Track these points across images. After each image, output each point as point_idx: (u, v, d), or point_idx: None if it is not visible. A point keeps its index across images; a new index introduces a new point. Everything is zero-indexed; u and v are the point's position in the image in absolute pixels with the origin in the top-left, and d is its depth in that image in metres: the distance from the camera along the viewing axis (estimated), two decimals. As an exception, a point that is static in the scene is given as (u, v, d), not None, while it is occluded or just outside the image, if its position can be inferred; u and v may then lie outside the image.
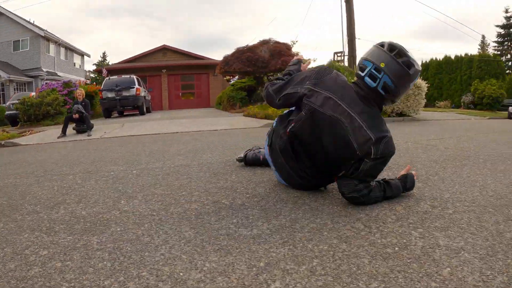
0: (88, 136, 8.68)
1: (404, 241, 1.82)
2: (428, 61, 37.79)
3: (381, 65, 2.33)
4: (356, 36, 17.36)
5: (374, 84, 2.34)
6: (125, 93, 16.32)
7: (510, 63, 55.97)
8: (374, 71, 2.34)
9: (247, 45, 16.30)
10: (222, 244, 1.75)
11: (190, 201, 2.48)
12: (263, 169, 3.46)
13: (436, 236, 1.88)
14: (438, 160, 3.96)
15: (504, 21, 55.85)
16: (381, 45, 2.38)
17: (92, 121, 10.13)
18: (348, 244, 1.76)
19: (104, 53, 61.06)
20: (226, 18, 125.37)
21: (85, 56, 36.94)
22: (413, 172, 2.67)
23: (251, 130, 8.51)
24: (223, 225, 2.00)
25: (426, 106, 30.99)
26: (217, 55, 20.86)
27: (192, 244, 1.74)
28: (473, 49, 69.71)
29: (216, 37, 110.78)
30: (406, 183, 2.53)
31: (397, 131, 7.34)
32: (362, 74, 2.38)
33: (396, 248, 1.73)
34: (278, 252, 1.67)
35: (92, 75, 45.71)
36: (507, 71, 50.86)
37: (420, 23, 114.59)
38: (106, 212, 2.32)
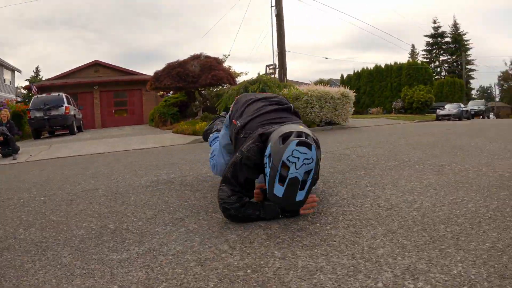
0: (13, 159, 8.56)
1: (262, 262, 1.82)
2: (359, 71, 39.38)
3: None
4: (286, 49, 17.95)
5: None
6: (54, 112, 15.95)
7: (438, 69, 59.37)
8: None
9: (177, 60, 16.43)
10: (90, 268, 1.91)
11: (80, 226, 2.64)
12: (163, 189, 3.67)
13: (299, 256, 1.87)
14: (344, 170, 4.07)
15: (432, 31, 59.43)
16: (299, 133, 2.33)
17: (21, 142, 10.02)
18: (203, 267, 1.82)
19: (37, 68, 58.93)
20: (164, 31, 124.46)
21: (16, 71, 35.60)
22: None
23: (177, 147, 8.72)
24: (99, 249, 2.16)
25: (359, 113, 32.41)
26: (154, 69, 20.95)
27: (65, 269, 1.92)
28: (404, 58, 73.29)
29: (154, 51, 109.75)
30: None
31: (320, 141, 7.71)
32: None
33: (249, 271, 1.74)
34: (135, 276, 1.78)
35: (24, 91, 44.14)
36: (436, 77, 53.88)
37: (354, 34, 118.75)
38: (3, 241, 2.47)
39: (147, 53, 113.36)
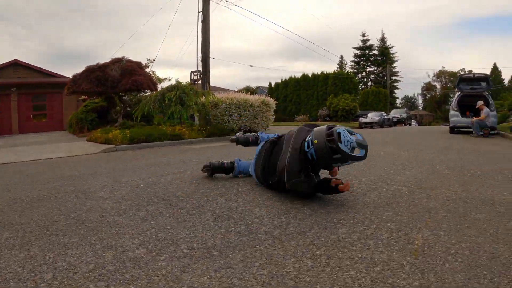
0: None
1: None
2: (287, 79, 40.37)
3: (314, 141, 3.17)
4: (212, 56, 18.03)
5: (307, 150, 3.26)
6: (-36, 117, 15.05)
7: (365, 80, 62.27)
8: (310, 142, 3.24)
9: (97, 64, 15.89)
10: None
11: None
12: (36, 207, 3.58)
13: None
14: (224, 187, 4.05)
15: (361, 44, 62.44)
16: (328, 128, 3.18)
17: None
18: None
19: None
20: (97, 31, 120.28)
21: None
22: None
23: (84, 157, 8.55)
24: None
25: (285, 120, 33.10)
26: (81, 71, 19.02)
27: None
28: (333, 68, 76.17)
29: (85, 51, 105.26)
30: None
31: (226, 152, 7.85)
32: (307, 139, 3.32)
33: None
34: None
35: None
36: (362, 87, 56.23)
37: (286, 44, 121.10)
38: None
39: (77, 52, 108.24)
